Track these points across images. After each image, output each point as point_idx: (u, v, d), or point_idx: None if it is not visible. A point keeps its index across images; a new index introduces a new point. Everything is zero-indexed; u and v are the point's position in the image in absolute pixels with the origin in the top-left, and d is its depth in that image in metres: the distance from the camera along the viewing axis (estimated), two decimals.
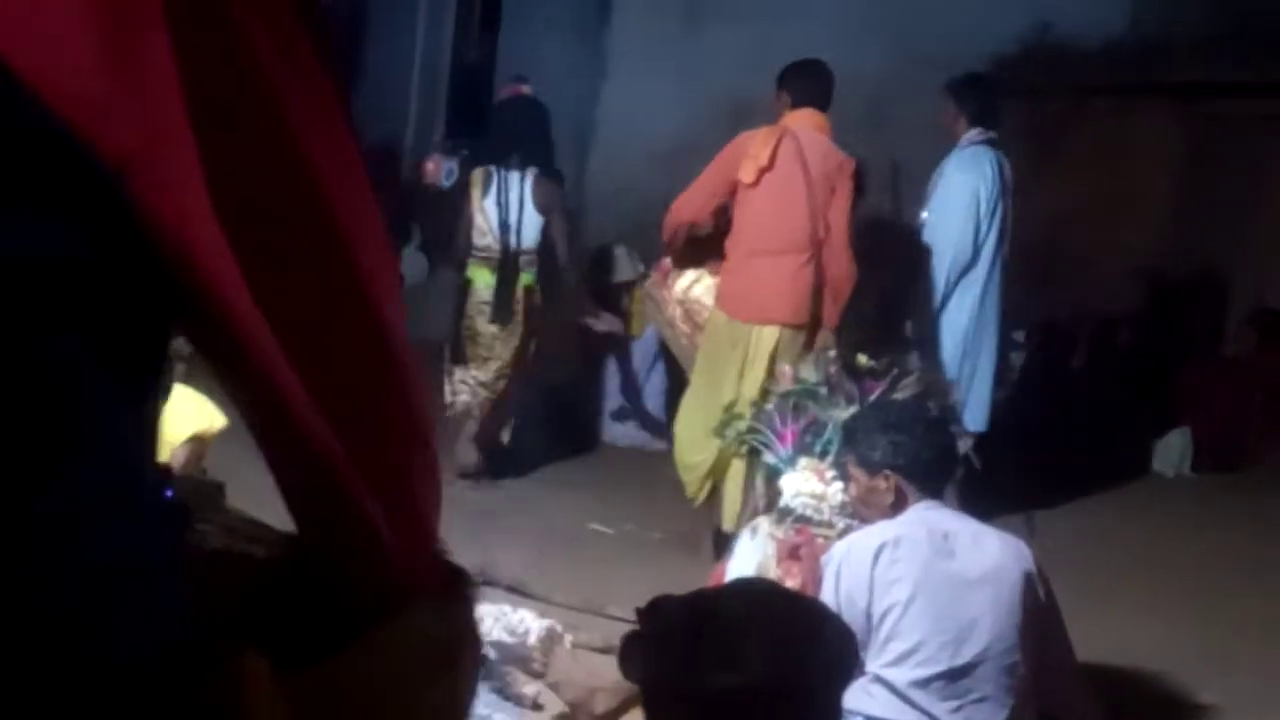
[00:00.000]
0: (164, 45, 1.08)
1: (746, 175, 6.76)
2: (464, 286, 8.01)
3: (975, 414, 7.12)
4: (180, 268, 1.09)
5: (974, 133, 7.27)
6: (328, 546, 1.36)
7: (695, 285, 7.15)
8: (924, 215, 7.36)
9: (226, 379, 1.22)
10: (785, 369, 5.43)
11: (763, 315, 6.78)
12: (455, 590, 1.72)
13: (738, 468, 6.71)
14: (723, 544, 6.70)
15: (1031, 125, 10.05)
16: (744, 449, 6.48)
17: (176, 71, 1.09)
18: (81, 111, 1.03)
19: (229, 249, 1.13)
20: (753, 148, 6.79)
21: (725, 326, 6.87)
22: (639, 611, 2.17)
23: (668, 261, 7.22)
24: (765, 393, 6.52)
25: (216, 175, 1.12)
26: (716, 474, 6.87)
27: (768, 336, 6.78)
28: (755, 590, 2.52)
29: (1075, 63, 10.85)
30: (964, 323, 7.19)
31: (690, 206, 7.01)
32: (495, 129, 8.38)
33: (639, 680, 2.14)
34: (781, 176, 6.75)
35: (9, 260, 0.98)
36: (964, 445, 7.01)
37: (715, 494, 6.93)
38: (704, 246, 7.11)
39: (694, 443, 6.91)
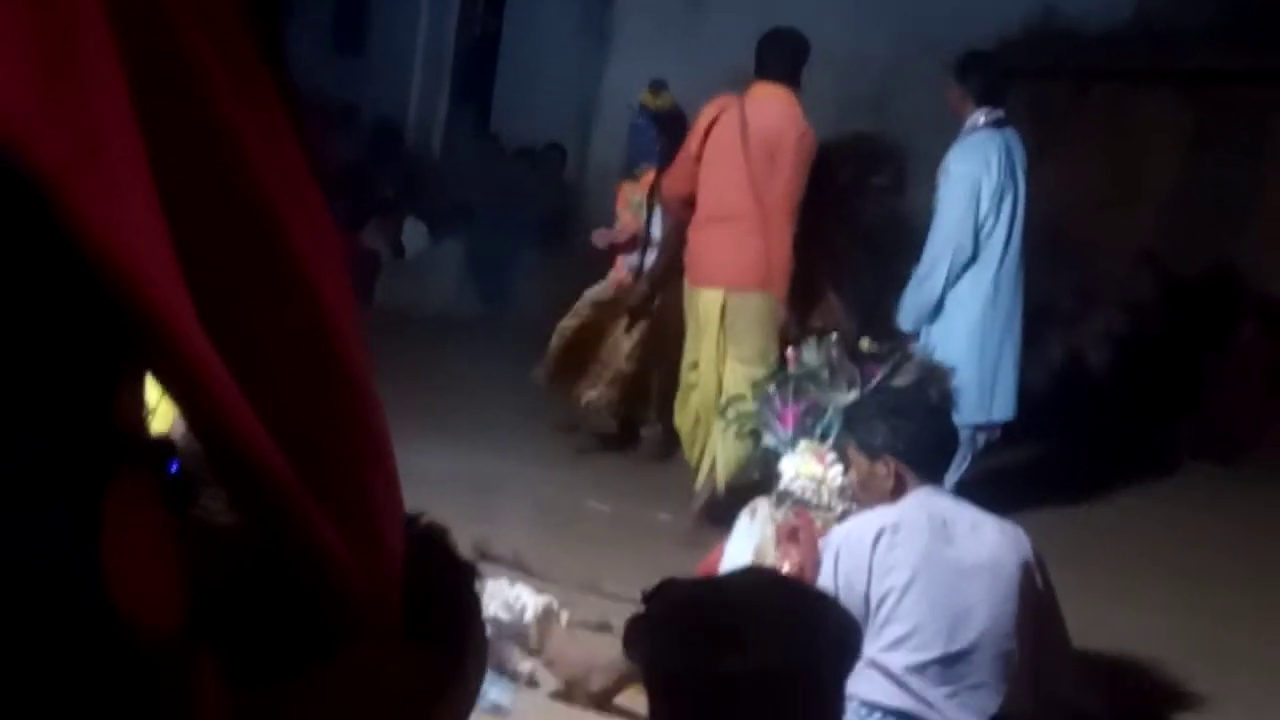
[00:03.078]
0: (108, 48, 1.08)
1: (689, 144, 7.05)
2: None
3: (1002, 402, 7.06)
4: (115, 279, 1.09)
5: (981, 114, 7.10)
6: (283, 564, 1.35)
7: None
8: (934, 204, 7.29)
9: (172, 397, 1.21)
10: (789, 351, 5.41)
11: (708, 279, 7.01)
12: (445, 631, 1.73)
13: (711, 432, 6.94)
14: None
15: (1036, 110, 10.03)
16: (713, 415, 6.83)
17: (122, 75, 1.08)
18: (11, 120, 1.03)
19: (174, 257, 1.13)
20: (710, 116, 7.00)
21: (687, 292, 7.16)
22: (644, 594, 2.18)
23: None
24: (723, 358, 6.93)
25: (163, 181, 1.12)
26: (696, 438, 7.12)
27: (711, 300, 6.96)
28: (760, 577, 2.54)
29: (1080, 47, 10.84)
30: (976, 312, 7.06)
31: (675, 178, 7.23)
32: None
33: (642, 662, 2.14)
34: (718, 145, 6.93)
35: None
36: (985, 436, 7.06)
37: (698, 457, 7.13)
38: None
39: (678, 405, 7.26)
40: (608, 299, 8.20)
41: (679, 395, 7.24)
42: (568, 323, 8.18)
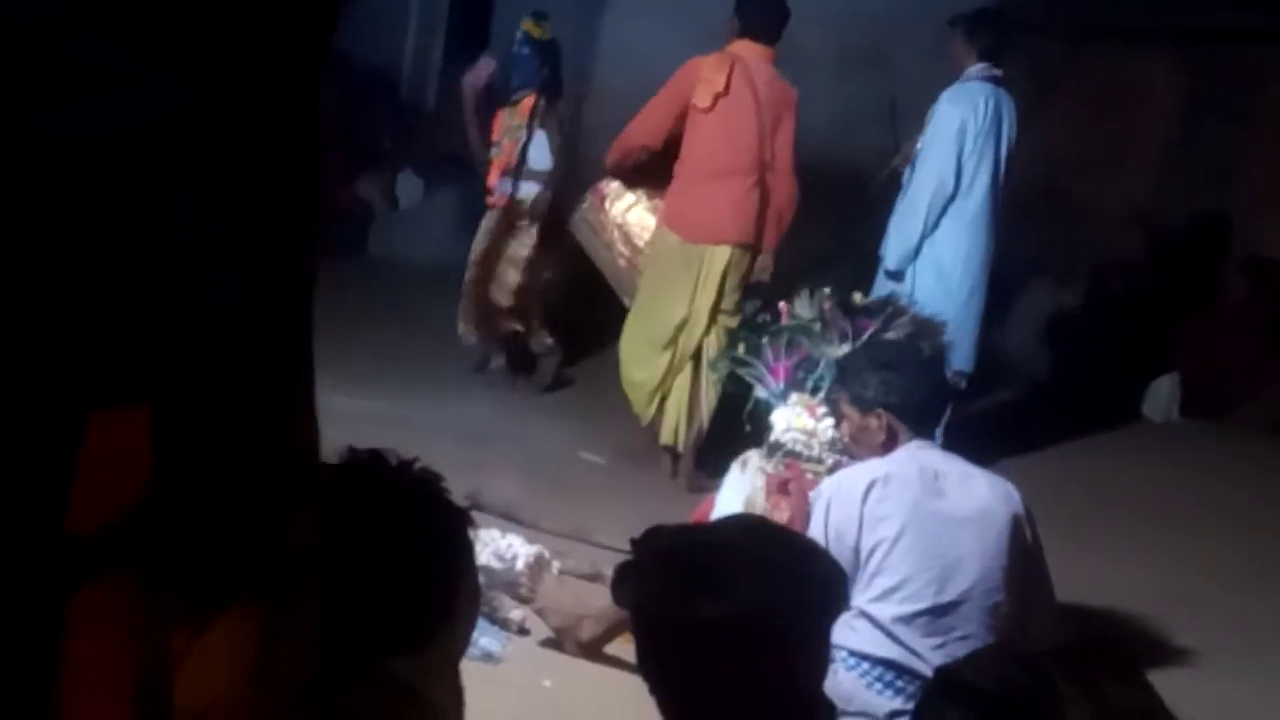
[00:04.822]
0: None
1: (702, 100, 7.01)
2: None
3: (963, 351, 7.14)
4: None
5: (978, 68, 7.23)
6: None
7: (632, 209, 7.38)
8: (917, 145, 7.36)
9: None
10: (781, 305, 5.42)
11: (715, 235, 7.03)
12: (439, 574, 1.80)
13: (682, 385, 7.07)
14: (676, 461, 7.15)
15: (1030, 67, 10.01)
16: (687, 366, 7.02)
17: None
18: None
19: None
20: (705, 73, 7.03)
21: (678, 248, 7.09)
22: (633, 541, 2.20)
23: (606, 185, 7.35)
24: (718, 311, 7.00)
25: None
26: (663, 391, 7.15)
27: (719, 256, 7.03)
28: (748, 524, 2.55)
29: (1076, 5, 10.80)
30: (948, 258, 7.18)
31: (645, 130, 7.24)
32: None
33: (631, 607, 2.17)
34: (734, 102, 7.00)
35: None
36: (955, 383, 7.10)
37: (660, 411, 7.21)
38: (644, 170, 7.33)
39: (639, 360, 7.21)
40: (492, 227, 8.34)
41: (639, 350, 7.21)
42: (470, 276, 8.32)
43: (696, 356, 7.07)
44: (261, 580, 1.40)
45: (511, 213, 8.30)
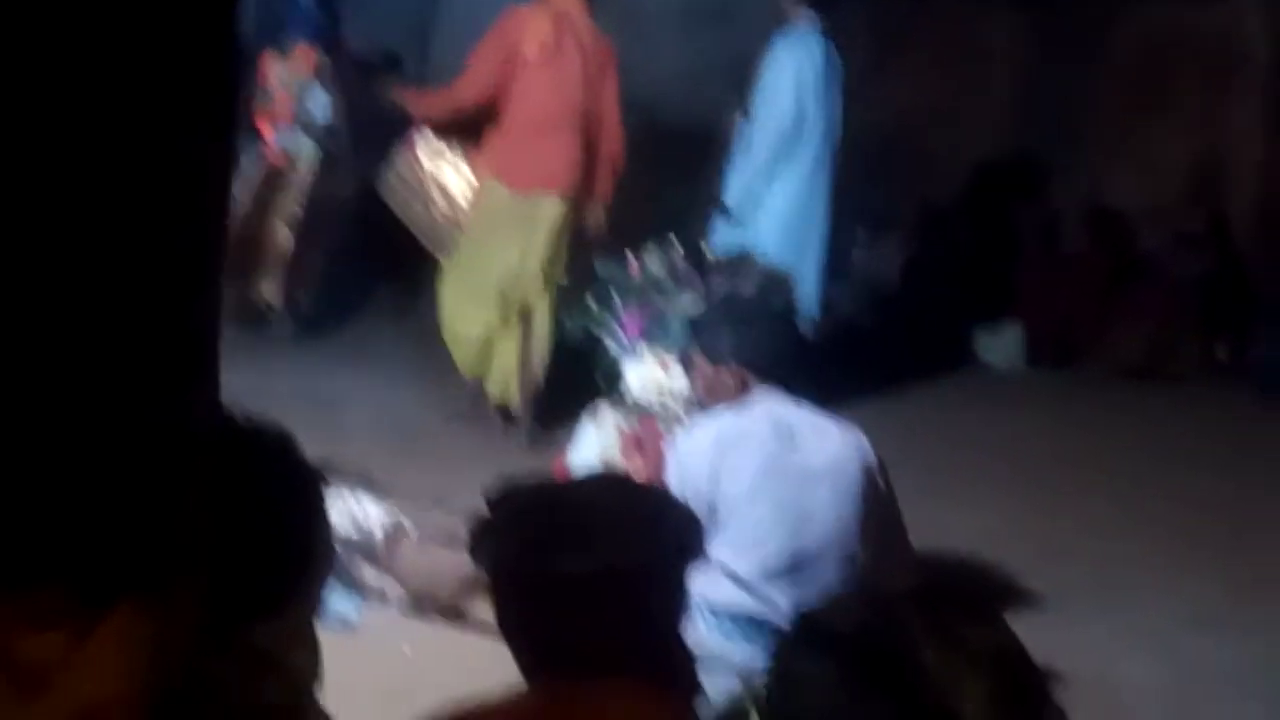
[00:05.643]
0: None
1: (531, 52, 6.96)
2: None
3: (808, 302, 7.20)
4: None
5: (806, 16, 7.37)
6: None
7: (447, 161, 7.26)
8: (754, 95, 7.45)
9: None
10: (631, 259, 5.42)
11: (545, 186, 6.98)
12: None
13: (511, 341, 7.00)
14: (506, 417, 7.12)
15: (875, 23, 10.09)
16: (517, 322, 6.93)
17: None
18: None
19: None
20: (531, 25, 6.98)
21: (507, 200, 7.02)
22: (488, 499, 2.18)
23: (416, 139, 7.24)
24: (551, 266, 6.93)
25: None
26: (492, 347, 7.09)
27: (550, 207, 6.98)
28: (604, 478, 2.55)
29: None
30: (783, 208, 7.28)
31: (474, 86, 7.11)
32: None
33: (489, 566, 2.15)
34: (562, 54, 6.98)
35: None
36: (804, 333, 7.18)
37: (486, 366, 7.15)
38: (457, 123, 7.26)
39: (465, 316, 7.13)
40: (262, 182, 8.27)
41: (463, 305, 7.12)
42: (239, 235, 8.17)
43: (527, 313, 7.01)
44: (151, 572, 1.38)
45: (281, 170, 8.20)
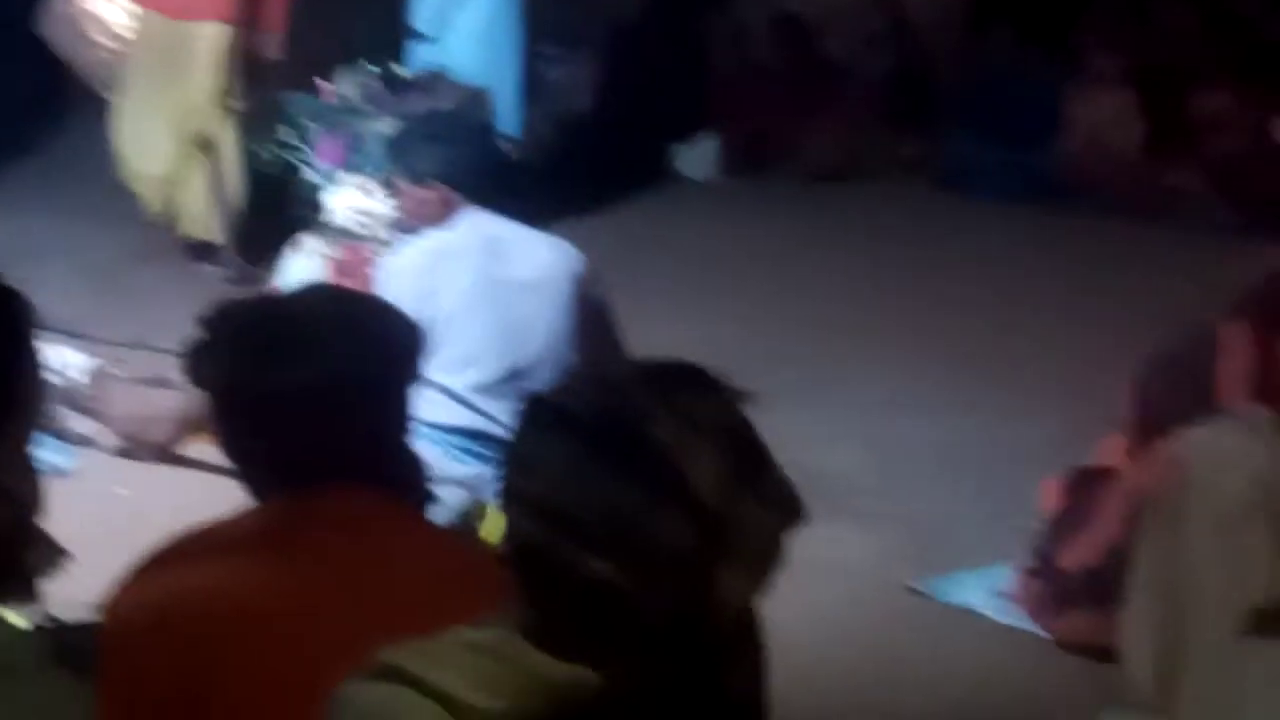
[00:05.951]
0: None
1: None
2: None
3: (507, 118, 7.17)
4: None
5: None
6: None
7: None
8: None
9: None
10: (324, 85, 5.32)
11: (202, 12, 6.68)
12: None
13: (197, 173, 6.75)
14: (203, 253, 6.92)
15: None
16: (199, 153, 6.65)
17: None
18: None
19: None
20: None
21: (163, 28, 6.75)
22: (205, 319, 2.13)
23: None
24: (225, 95, 6.64)
25: None
26: (176, 181, 6.84)
27: (210, 32, 6.67)
28: (320, 290, 2.53)
29: None
30: (475, 27, 7.17)
31: None
32: None
33: (210, 387, 2.11)
34: None
35: None
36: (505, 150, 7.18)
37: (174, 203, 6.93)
38: None
39: (146, 153, 6.84)
40: None
41: (139, 141, 6.83)
42: None
43: (208, 145, 6.77)
44: None
45: None
